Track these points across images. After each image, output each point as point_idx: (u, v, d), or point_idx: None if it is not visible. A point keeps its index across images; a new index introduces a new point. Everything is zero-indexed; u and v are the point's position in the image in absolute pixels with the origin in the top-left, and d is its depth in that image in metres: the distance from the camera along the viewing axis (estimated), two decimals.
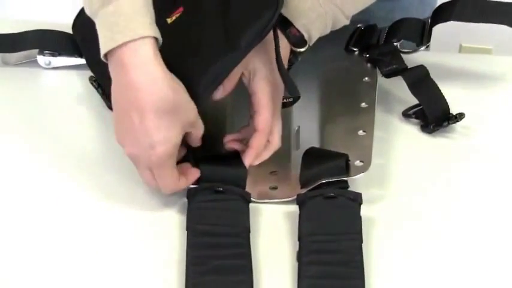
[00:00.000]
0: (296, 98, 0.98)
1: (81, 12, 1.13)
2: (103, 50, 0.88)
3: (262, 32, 0.92)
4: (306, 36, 0.98)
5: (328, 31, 1.01)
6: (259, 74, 0.96)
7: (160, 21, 0.93)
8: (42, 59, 1.17)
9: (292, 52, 0.99)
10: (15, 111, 1.10)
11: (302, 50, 0.99)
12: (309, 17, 0.98)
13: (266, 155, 0.97)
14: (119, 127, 0.91)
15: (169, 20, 0.96)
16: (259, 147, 0.96)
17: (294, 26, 0.97)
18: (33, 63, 1.17)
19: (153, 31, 0.87)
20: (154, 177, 0.91)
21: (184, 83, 0.90)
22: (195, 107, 0.91)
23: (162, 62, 0.87)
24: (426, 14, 1.20)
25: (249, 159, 0.96)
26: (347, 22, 1.02)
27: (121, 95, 0.89)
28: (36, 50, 1.17)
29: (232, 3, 0.93)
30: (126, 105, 0.88)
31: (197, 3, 0.96)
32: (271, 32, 0.93)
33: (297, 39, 0.98)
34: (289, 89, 0.96)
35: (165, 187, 0.92)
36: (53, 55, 1.17)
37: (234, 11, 0.93)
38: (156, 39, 0.87)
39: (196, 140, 0.94)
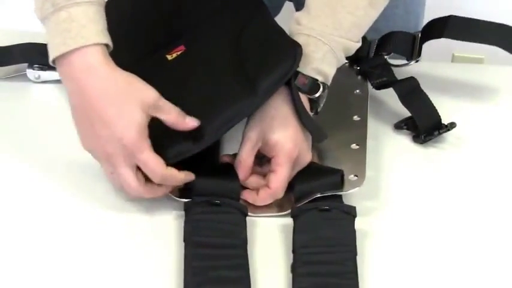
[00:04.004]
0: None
1: None
2: (53, 54, 0.90)
3: (281, 79, 0.93)
4: (321, 79, 0.97)
5: (343, 61, 1.01)
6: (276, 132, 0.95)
7: (159, 56, 0.97)
8: (31, 73, 1.17)
9: (310, 100, 0.98)
10: (4, 126, 1.09)
11: (317, 94, 0.97)
12: (315, 59, 0.97)
13: (268, 200, 0.97)
14: (83, 134, 0.92)
15: (169, 57, 0.99)
16: (264, 201, 0.96)
17: (302, 74, 0.96)
18: (23, 77, 1.17)
19: (104, 38, 0.90)
20: (136, 177, 0.91)
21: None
22: (153, 90, 0.90)
23: (113, 66, 0.90)
24: (410, 23, 1.20)
25: (250, 201, 0.96)
26: (359, 45, 1.02)
27: (75, 100, 0.91)
28: (26, 64, 1.17)
29: (245, 50, 0.96)
30: (82, 109, 0.90)
31: (201, 46, 0.98)
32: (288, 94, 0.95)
33: (307, 87, 0.97)
34: (314, 135, 0.97)
35: (153, 172, 0.91)
36: (42, 69, 1.17)
37: (249, 59, 0.95)
38: (107, 45, 0.91)
39: (171, 123, 0.92)
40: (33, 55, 1.17)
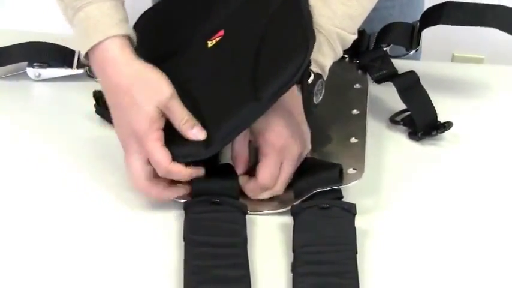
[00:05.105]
0: None
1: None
2: (82, 52, 0.96)
3: (286, 84, 0.91)
4: (315, 69, 0.94)
5: (341, 52, 0.99)
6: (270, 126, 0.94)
7: (200, 44, 0.98)
8: (31, 71, 1.17)
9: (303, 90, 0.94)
10: (5, 124, 1.09)
11: (309, 81, 0.92)
12: None
13: (265, 195, 0.96)
14: (114, 121, 0.96)
15: (209, 44, 0.98)
16: (253, 193, 0.96)
17: None
18: (23, 75, 1.17)
19: (121, 29, 0.95)
20: (143, 168, 0.92)
21: (209, 118, 0.93)
22: (168, 88, 0.92)
23: (131, 56, 0.94)
24: None
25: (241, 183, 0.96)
26: (354, 37, 1.00)
27: (105, 90, 0.96)
28: (25, 62, 1.17)
29: (267, 38, 0.94)
30: (109, 96, 0.95)
31: (239, 28, 0.97)
32: None
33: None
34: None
35: (158, 163, 0.91)
36: (42, 67, 1.17)
37: (266, 50, 0.93)
38: (124, 35, 0.95)
39: (178, 128, 0.92)
40: (33, 54, 1.17)
